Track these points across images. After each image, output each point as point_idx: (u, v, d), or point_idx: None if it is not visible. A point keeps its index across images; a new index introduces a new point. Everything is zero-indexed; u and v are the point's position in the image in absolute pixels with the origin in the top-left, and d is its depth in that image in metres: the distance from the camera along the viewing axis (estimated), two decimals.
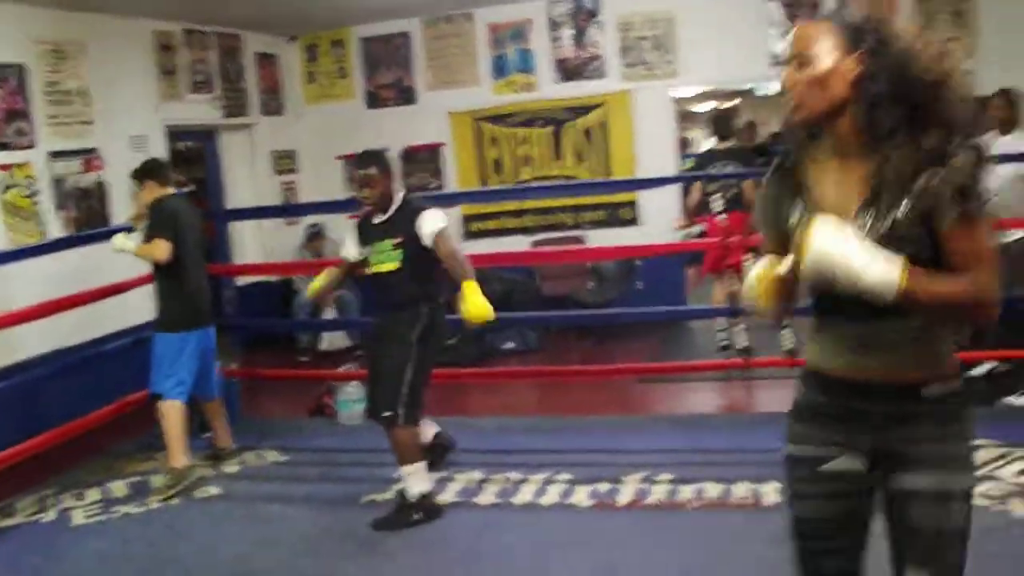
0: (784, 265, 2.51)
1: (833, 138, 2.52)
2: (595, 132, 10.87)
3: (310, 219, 10.70)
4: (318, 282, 6.12)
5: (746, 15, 10.35)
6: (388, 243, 5.63)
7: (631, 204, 10.83)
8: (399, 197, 5.73)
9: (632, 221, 10.85)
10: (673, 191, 10.45)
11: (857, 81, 2.41)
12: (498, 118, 10.98)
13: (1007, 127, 7.48)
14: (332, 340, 10.37)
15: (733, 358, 8.22)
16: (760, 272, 2.60)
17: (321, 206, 10.59)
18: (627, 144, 10.80)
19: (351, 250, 5.95)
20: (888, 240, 2.36)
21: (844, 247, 2.31)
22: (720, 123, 9.61)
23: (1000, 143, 7.26)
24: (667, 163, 10.64)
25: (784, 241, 2.55)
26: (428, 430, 6.24)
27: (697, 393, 8.46)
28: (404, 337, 5.61)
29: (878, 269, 2.29)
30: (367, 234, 5.78)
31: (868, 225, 2.39)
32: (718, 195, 8.60)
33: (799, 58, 2.46)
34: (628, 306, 10.02)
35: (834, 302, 2.48)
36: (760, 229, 2.79)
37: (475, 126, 11.03)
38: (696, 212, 9.41)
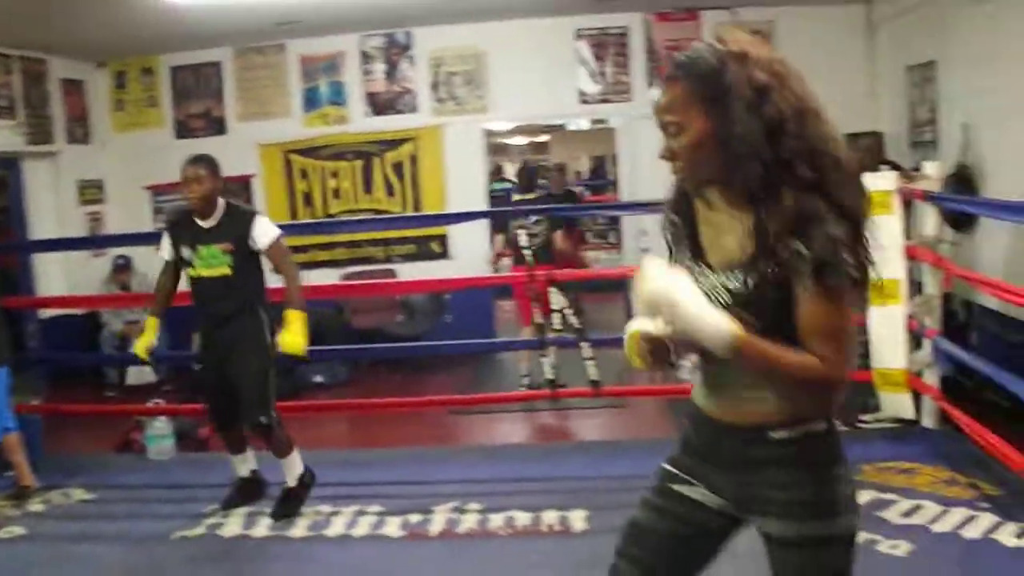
0: (652, 325, 2.38)
1: (716, 197, 2.44)
2: (405, 166, 10.99)
3: (117, 251, 10.48)
4: (145, 339, 6.08)
5: (556, 53, 10.68)
6: (216, 248, 5.62)
7: (441, 238, 10.98)
8: (222, 203, 5.72)
9: (442, 255, 11.00)
10: (483, 225, 10.63)
11: (723, 139, 2.28)
12: (308, 151, 11.00)
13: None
14: (139, 374, 10.18)
15: (541, 389, 8.41)
16: (629, 332, 2.47)
17: (128, 238, 10.40)
18: (438, 178, 10.95)
19: (165, 251, 5.92)
20: (749, 300, 2.33)
21: (679, 292, 2.24)
22: (525, 177, 9.86)
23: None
24: (477, 197, 10.84)
25: None
26: (247, 466, 6.24)
27: (506, 424, 8.63)
28: (260, 340, 5.70)
29: (711, 322, 2.22)
30: (190, 237, 5.72)
31: (741, 281, 2.34)
32: (524, 238, 8.75)
33: (666, 127, 2.38)
34: (438, 339, 10.13)
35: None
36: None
37: (285, 158, 11.01)
38: (498, 259, 9.64)
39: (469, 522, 5.78)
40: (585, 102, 10.94)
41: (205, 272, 5.70)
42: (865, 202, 2.32)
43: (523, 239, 8.61)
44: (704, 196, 2.48)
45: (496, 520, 5.77)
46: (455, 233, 10.90)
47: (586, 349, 7.44)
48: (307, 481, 6.01)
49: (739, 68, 2.26)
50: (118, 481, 6.92)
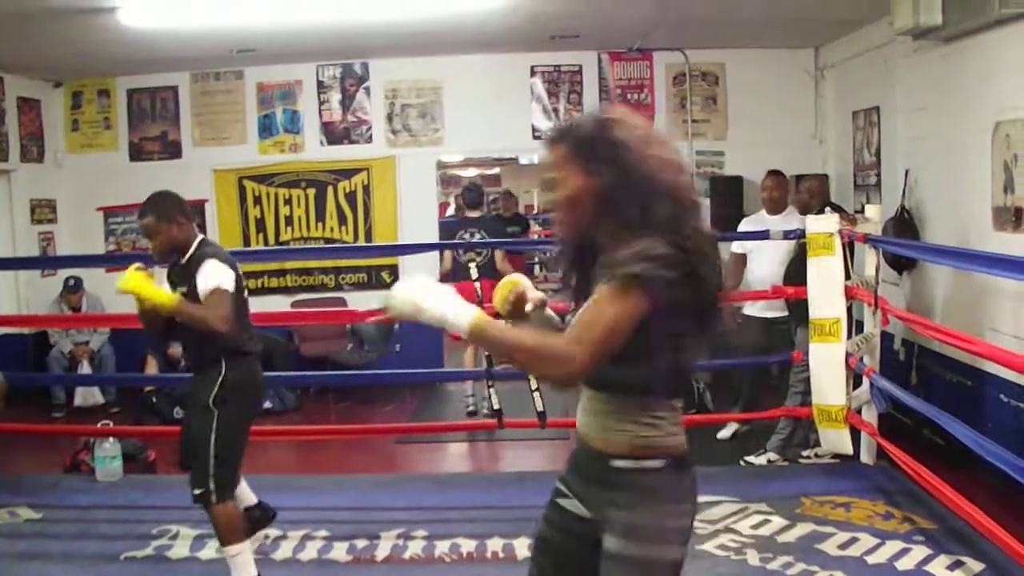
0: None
1: (604, 246, 2.68)
2: (359, 195, 11.06)
3: (68, 271, 10.47)
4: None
5: (510, 88, 10.84)
6: (178, 292, 5.09)
7: (392, 267, 11.04)
8: (196, 241, 5.20)
9: (393, 283, 11.02)
10: (433, 256, 10.70)
11: (597, 198, 2.62)
12: (263, 177, 11.05)
13: (777, 206, 8.09)
14: (87, 396, 10.18)
15: (486, 419, 8.49)
16: (506, 280, 3.02)
17: (80, 259, 10.43)
18: (390, 208, 11.04)
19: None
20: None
21: (425, 291, 2.61)
22: (470, 194, 9.98)
23: (770, 221, 7.89)
24: (429, 228, 10.91)
25: None
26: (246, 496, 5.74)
27: (452, 453, 8.73)
28: (202, 401, 5.12)
29: (454, 310, 2.55)
30: (171, 280, 5.23)
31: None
32: (472, 263, 8.86)
33: (547, 184, 2.72)
34: (386, 368, 10.21)
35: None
36: None
37: (239, 184, 11.06)
38: (449, 278, 9.72)
39: (415, 548, 5.85)
40: (538, 138, 11.06)
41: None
42: (697, 236, 2.62)
43: (472, 270, 8.71)
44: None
45: (442, 547, 5.86)
46: (406, 262, 10.97)
47: (533, 380, 7.53)
48: None
49: (614, 135, 2.63)
50: (66, 501, 6.93)
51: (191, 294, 5.03)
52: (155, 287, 4.94)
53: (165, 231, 5.10)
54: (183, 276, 5.11)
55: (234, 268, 5.20)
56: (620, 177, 2.58)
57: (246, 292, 5.40)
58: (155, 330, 5.35)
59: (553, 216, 2.75)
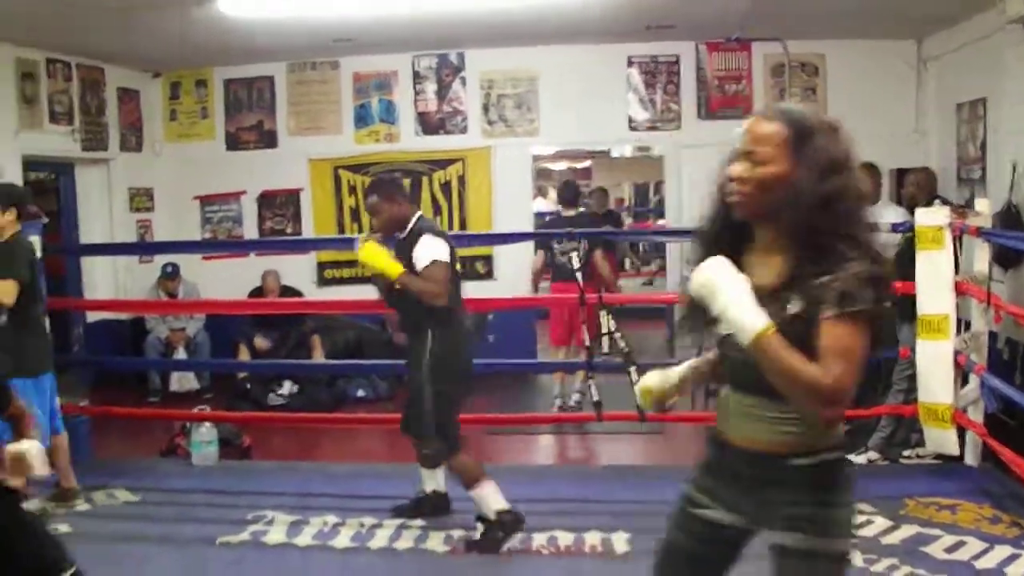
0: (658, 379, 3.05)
1: (761, 231, 2.71)
2: (453, 186, 11.04)
3: (164, 258, 10.57)
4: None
5: (607, 79, 10.74)
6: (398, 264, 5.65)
7: (487, 258, 11.01)
8: (414, 219, 5.78)
9: (487, 275, 11.03)
10: (528, 248, 10.64)
11: (793, 189, 2.55)
12: (358, 167, 11.07)
13: (871, 200, 7.91)
14: (182, 381, 10.28)
15: (574, 411, 8.41)
16: (646, 386, 3.07)
17: (176, 245, 10.54)
18: (485, 199, 11.01)
19: None
20: (779, 329, 2.51)
21: (728, 281, 2.53)
22: (567, 191, 9.87)
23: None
24: (523, 219, 10.88)
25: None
26: (431, 484, 6.32)
27: (543, 445, 8.68)
28: (416, 367, 5.72)
29: (747, 312, 2.49)
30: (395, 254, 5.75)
31: (772, 309, 2.54)
32: (574, 257, 8.75)
33: (752, 156, 2.61)
34: (479, 358, 10.14)
35: (729, 374, 2.81)
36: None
37: (335, 174, 11.10)
38: (540, 277, 9.67)
39: (512, 540, 5.79)
40: (634, 129, 10.98)
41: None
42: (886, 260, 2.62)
43: (574, 260, 8.64)
44: (750, 227, 2.73)
45: (539, 539, 5.79)
46: (500, 254, 10.95)
47: (634, 374, 7.44)
48: (505, 521, 5.71)
49: (827, 139, 2.59)
50: (163, 485, 6.99)
51: (409, 266, 5.57)
52: (387, 257, 5.59)
53: (387, 209, 5.73)
54: (403, 250, 5.66)
55: (448, 242, 5.76)
56: (821, 181, 2.54)
57: (458, 266, 5.92)
58: (383, 296, 6.05)
59: (736, 186, 2.65)
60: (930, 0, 8.39)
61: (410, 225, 5.74)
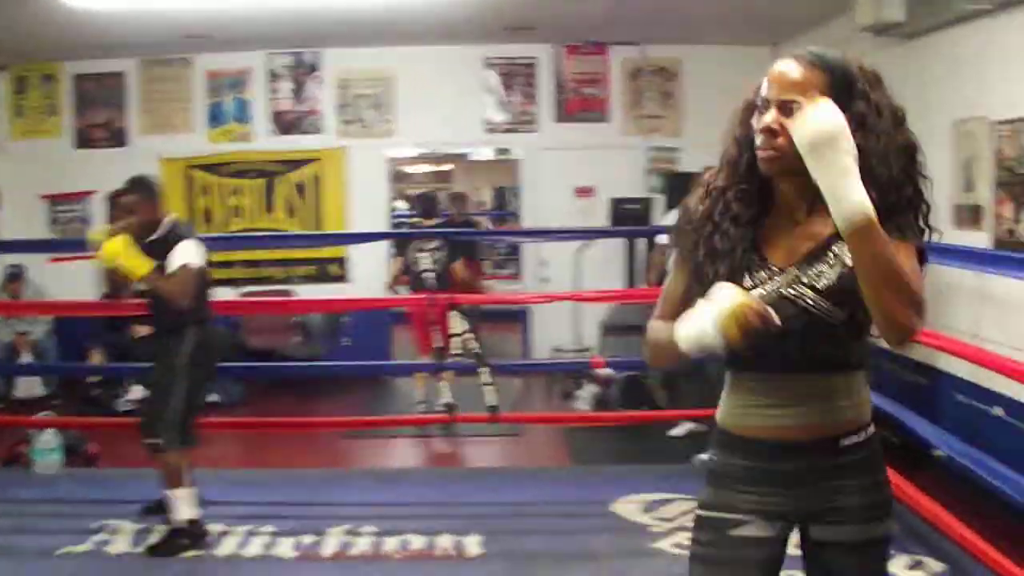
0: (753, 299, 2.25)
1: (785, 192, 2.42)
2: (308, 187, 10.92)
3: (9, 259, 10.21)
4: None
5: (464, 81, 10.75)
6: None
7: (341, 260, 10.92)
8: (167, 221, 5.69)
9: (341, 278, 10.93)
10: (383, 250, 10.57)
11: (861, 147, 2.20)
12: (211, 167, 10.87)
13: None
14: (28, 387, 9.94)
15: (438, 413, 8.35)
16: (734, 300, 2.21)
17: (22, 245, 10.18)
18: (339, 201, 10.92)
19: None
20: (838, 292, 2.31)
21: (843, 136, 2.12)
22: (425, 203, 9.83)
23: None
24: (379, 222, 10.84)
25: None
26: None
27: (400, 448, 8.58)
28: (164, 362, 5.66)
29: (854, 185, 2.10)
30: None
31: (829, 273, 2.33)
32: (430, 272, 8.71)
33: (785, 104, 2.29)
34: (335, 360, 10.07)
35: (747, 357, 2.35)
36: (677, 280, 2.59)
37: (187, 174, 10.87)
38: (397, 282, 9.61)
39: (363, 545, 5.72)
40: (491, 131, 10.98)
41: None
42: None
43: (425, 262, 8.58)
44: (776, 186, 2.42)
45: (391, 543, 5.73)
46: (355, 256, 10.86)
47: (485, 375, 7.41)
48: (193, 532, 5.66)
49: (879, 91, 2.35)
50: (3, 495, 6.74)
51: (160, 268, 5.48)
52: (135, 255, 5.42)
53: (145, 210, 5.64)
54: (154, 251, 5.50)
55: (201, 247, 5.73)
56: (866, 133, 2.25)
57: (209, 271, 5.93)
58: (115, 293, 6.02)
59: (766, 140, 2.30)
60: (785, 6, 8.51)
61: (163, 228, 5.63)
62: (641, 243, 10.42)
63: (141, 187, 5.73)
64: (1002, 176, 6.15)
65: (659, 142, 10.86)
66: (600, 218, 10.58)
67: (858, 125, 2.22)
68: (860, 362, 2.46)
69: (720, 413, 2.60)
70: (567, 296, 9.04)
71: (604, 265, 10.27)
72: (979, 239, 6.30)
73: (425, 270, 8.65)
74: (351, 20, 9.12)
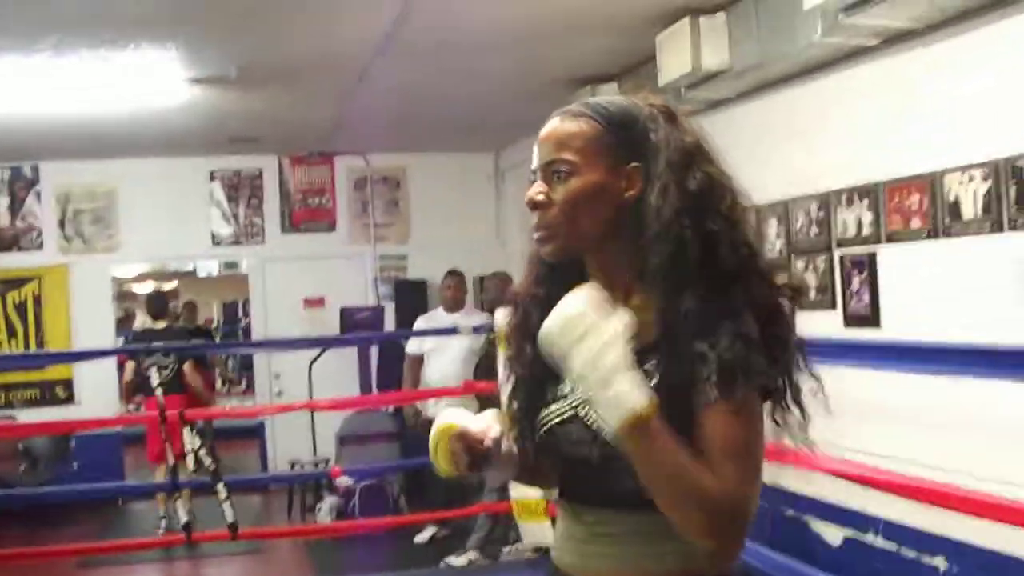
0: (471, 420, 1.97)
1: (593, 275, 1.94)
2: (29, 306, 10.49)
3: None
4: None
5: (188, 193, 10.64)
6: None
7: (67, 382, 10.49)
8: None
9: (68, 400, 10.50)
10: (112, 369, 10.23)
11: (634, 202, 1.87)
12: None
13: (455, 305, 8.16)
14: None
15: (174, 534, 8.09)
16: (440, 426, 1.97)
17: None
18: (64, 320, 10.53)
19: None
20: None
21: (604, 324, 1.69)
22: (155, 302, 9.67)
23: (449, 319, 7.94)
24: (105, 341, 10.46)
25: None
26: None
27: (138, 574, 8.25)
28: None
29: (627, 377, 1.67)
30: None
31: None
32: (154, 373, 8.49)
33: (553, 166, 1.90)
34: (61, 485, 9.64)
35: (569, 483, 1.97)
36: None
37: None
38: (133, 392, 9.34)
39: None
40: (218, 244, 10.85)
41: None
42: (784, 297, 1.89)
43: (153, 375, 8.35)
44: (580, 270, 1.96)
45: None
46: (82, 377, 10.46)
47: (222, 491, 7.23)
48: None
49: (669, 127, 1.90)
50: None
51: None
52: None
53: None
54: None
55: None
56: (676, 190, 1.84)
57: None
58: None
59: (542, 218, 1.91)
60: (502, 113, 8.76)
61: None
62: (374, 351, 10.44)
63: None
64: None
65: (387, 250, 10.97)
66: (332, 328, 10.52)
67: (643, 177, 1.87)
68: None
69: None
70: (303, 405, 8.98)
71: (337, 375, 10.19)
72: None
73: (156, 383, 8.42)
74: (69, 133, 8.88)
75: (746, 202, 1.90)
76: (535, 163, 1.95)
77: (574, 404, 1.90)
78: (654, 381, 1.77)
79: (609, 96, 2.00)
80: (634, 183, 1.87)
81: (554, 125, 1.92)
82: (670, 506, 1.73)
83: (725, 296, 1.78)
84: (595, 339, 1.67)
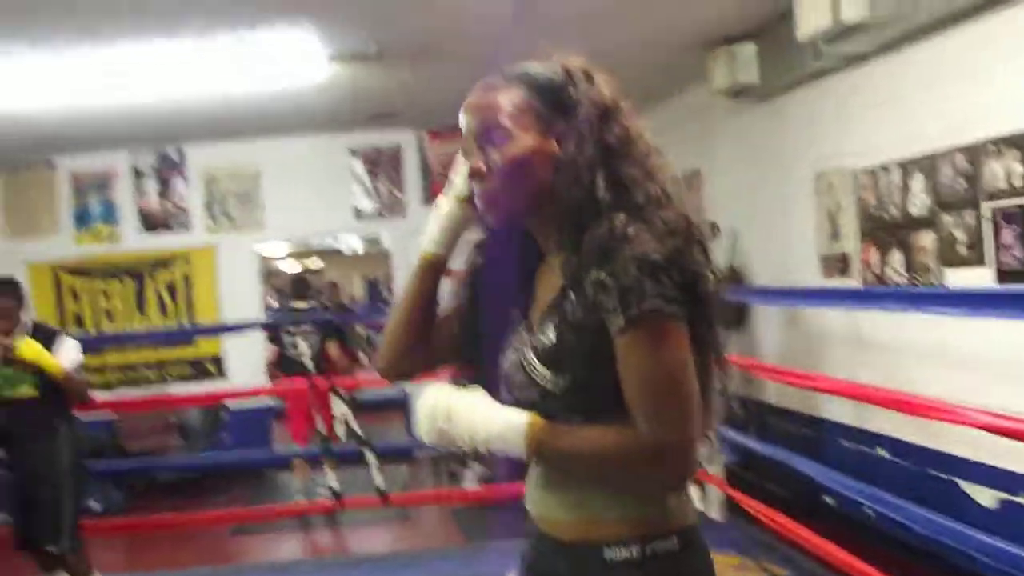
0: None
1: (536, 235, 2.03)
2: (179, 286, 10.76)
3: None
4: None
5: (330, 170, 10.71)
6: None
7: (216, 359, 10.76)
8: (30, 322, 5.86)
9: (218, 374, 10.76)
10: (259, 345, 10.45)
11: (561, 164, 1.90)
12: (79, 270, 10.66)
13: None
14: None
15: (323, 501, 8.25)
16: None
17: None
18: (211, 298, 10.77)
19: None
20: (557, 357, 1.86)
21: (457, 400, 1.88)
22: (298, 285, 9.85)
23: None
24: (253, 317, 10.67)
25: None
26: None
27: (290, 541, 8.44)
28: (49, 462, 5.69)
29: (499, 420, 1.84)
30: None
31: (549, 333, 1.88)
32: (303, 346, 8.67)
33: (485, 135, 1.94)
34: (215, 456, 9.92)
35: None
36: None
37: (55, 277, 10.65)
38: (276, 369, 9.53)
39: None
40: (360, 219, 10.98)
41: (15, 393, 5.73)
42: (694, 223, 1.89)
43: (301, 347, 8.52)
44: (531, 236, 2.04)
45: None
46: (230, 352, 10.71)
47: (371, 457, 7.36)
48: None
49: (587, 86, 1.95)
50: None
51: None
52: (47, 352, 5.62)
53: (16, 313, 5.74)
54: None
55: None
56: (592, 143, 1.90)
57: None
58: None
59: (482, 187, 1.97)
60: (641, 81, 8.69)
61: (29, 329, 5.79)
62: None
63: (14, 291, 5.83)
64: (864, 224, 6.33)
65: None
66: None
67: (562, 134, 1.91)
68: None
69: None
70: (449, 374, 9.02)
71: None
72: (850, 285, 6.47)
73: (304, 354, 8.59)
74: (212, 115, 9.07)
75: (664, 160, 1.97)
76: (466, 131, 1.98)
77: (516, 348, 1.98)
78: (560, 329, 1.85)
79: (529, 63, 2.03)
80: (564, 145, 1.91)
81: (482, 94, 1.98)
82: (615, 481, 1.83)
83: (625, 223, 1.80)
84: (457, 411, 1.86)
